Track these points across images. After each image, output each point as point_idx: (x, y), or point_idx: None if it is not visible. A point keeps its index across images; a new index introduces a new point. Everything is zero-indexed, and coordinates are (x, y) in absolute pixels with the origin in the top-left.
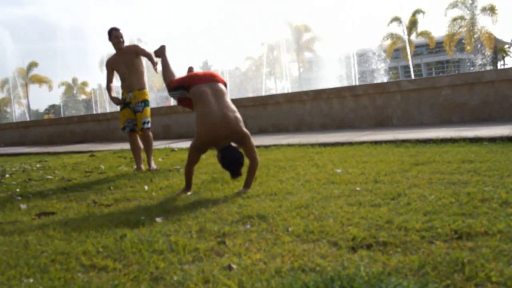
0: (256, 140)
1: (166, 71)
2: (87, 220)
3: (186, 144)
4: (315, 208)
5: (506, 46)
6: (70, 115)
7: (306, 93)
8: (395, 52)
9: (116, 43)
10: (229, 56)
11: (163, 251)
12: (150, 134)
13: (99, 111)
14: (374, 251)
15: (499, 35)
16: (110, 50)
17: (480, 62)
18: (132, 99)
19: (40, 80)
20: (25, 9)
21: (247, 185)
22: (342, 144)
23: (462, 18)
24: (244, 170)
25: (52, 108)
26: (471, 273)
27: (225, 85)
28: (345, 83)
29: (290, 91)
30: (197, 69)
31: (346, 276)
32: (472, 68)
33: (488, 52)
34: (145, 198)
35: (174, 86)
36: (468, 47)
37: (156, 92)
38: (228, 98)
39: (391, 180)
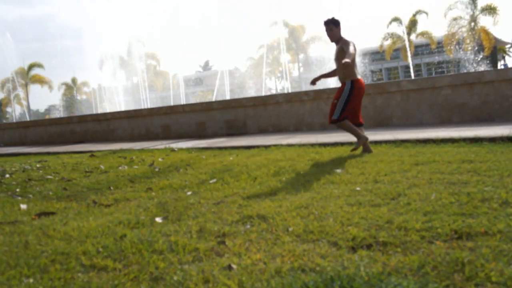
0: (256, 140)
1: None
2: (87, 220)
3: (186, 144)
4: (315, 208)
5: (507, 46)
6: (70, 115)
7: (306, 93)
8: (395, 52)
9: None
10: (229, 56)
11: (163, 251)
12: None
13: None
14: (374, 251)
15: (499, 35)
16: (110, 50)
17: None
18: None
19: (40, 80)
20: (27, 9)
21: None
22: (342, 144)
23: (462, 18)
24: None
25: (53, 108)
26: (471, 273)
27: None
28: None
29: (290, 91)
30: (199, 69)
31: (346, 276)
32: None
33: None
34: (145, 198)
35: None
36: (465, 46)
37: (158, 93)
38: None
39: (391, 180)
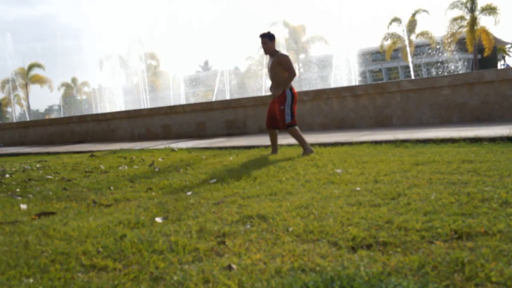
0: (257, 140)
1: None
2: (87, 220)
3: (186, 144)
4: (315, 208)
5: (507, 46)
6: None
7: (306, 93)
8: (395, 52)
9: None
10: (229, 56)
11: (163, 251)
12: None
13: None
14: (374, 251)
15: (499, 35)
16: (109, 50)
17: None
18: None
19: (40, 80)
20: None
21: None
22: (342, 144)
23: (462, 18)
24: None
25: (55, 109)
26: (471, 273)
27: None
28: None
29: None
30: (198, 69)
31: (346, 276)
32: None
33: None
34: (145, 198)
35: None
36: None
37: (158, 93)
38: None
39: (391, 180)
